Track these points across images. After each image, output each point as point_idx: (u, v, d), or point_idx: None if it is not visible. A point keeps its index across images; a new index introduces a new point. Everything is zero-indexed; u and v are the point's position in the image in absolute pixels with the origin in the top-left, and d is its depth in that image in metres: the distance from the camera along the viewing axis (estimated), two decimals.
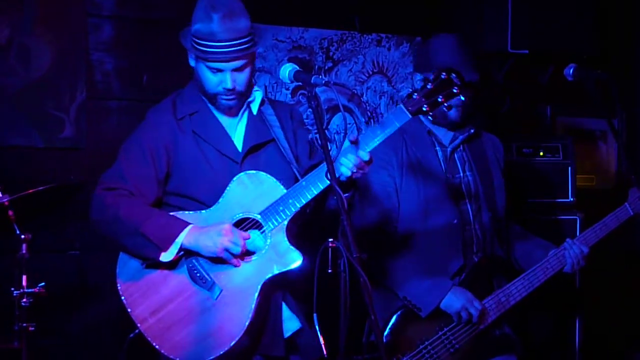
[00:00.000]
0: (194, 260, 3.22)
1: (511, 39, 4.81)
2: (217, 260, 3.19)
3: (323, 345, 3.12)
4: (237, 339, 3.15)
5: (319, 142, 3.25)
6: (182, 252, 3.20)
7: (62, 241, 4.31)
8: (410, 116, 3.14)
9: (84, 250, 4.34)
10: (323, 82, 3.07)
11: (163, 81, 4.46)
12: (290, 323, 3.35)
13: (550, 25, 4.89)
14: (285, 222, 3.18)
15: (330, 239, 2.89)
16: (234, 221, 3.21)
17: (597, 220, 3.82)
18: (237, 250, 3.15)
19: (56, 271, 4.04)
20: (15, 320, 3.49)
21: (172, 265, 3.22)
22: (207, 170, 3.30)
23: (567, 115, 5.44)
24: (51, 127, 4.32)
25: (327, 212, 3.31)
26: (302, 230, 3.33)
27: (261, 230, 3.22)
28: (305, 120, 4.32)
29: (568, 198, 4.78)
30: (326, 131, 4.88)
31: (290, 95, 4.79)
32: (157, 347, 3.19)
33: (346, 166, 3.09)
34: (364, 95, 5.02)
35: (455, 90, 3.13)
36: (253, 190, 3.23)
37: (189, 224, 3.19)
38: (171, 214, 3.26)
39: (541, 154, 4.78)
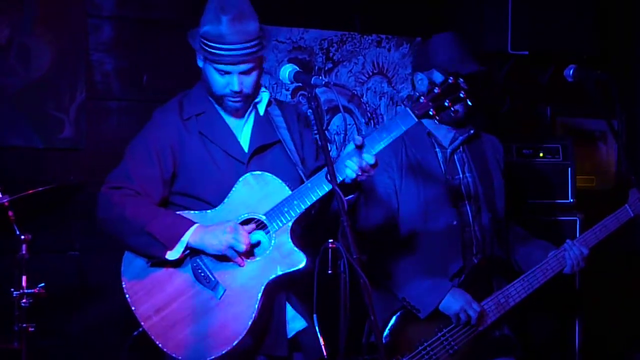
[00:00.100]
0: (198, 260, 3.22)
1: (511, 39, 4.81)
2: (222, 259, 3.20)
3: (323, 346, 3.13)
4: (240, 338, 3.16)
5: (319, 142, 3.26)
6: (187, 251, 3.21)
7: (62, 242, 4.31)
8: (416, 120, 3.16)
9: (83, 250, 4.34)
10: (323, 83, 3.08)
11: (163, 81, 4.46)
12: (294, 323, 3.35)
13: (550, 26, 4.89)
14: (290, 224, 3.19)
15: (330, 240, 2.89)
16: (239, 221, 3.21)
17: (597, 222, 3.82)
18: (242, 247, 3.15)
19: (56, 272, 4.03)
20: (15, 320, 3.49)
21: (176, 264, 3.23)
22: (213, 170, 3.30)
23: (567, 115, 5.44)
24: (51, 128, 4.31)
25: (332, 214, 3.31)
26: (307, 232, 3.33)
27: (266, 231, 3.22)
28: None
29: (568, 199, 4.78)
30: (326, 132, 4.88)
31: (290, 96, 4.79)
32: (160, 345, 3.20)
33: (351, 169, 3.10)
34: (364, 96, 5.02)
35: (462, 95, 3.14)
36: (259, 191, 3.24)
37: (195, 223, 3.20)
38: (177, 213, 3.27)
39: (541, 155, 4.78)
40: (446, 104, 3.13)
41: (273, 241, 3.20)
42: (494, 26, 4.87)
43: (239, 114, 3.37)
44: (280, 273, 3.18)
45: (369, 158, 3.10)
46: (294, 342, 3.35)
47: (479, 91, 3.74)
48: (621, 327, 5.22)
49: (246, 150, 3.35)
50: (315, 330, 3.07)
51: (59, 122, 4.33)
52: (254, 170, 3.27)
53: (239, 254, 3.17)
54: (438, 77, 3.68)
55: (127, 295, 3.25)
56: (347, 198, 3.23)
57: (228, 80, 3.27)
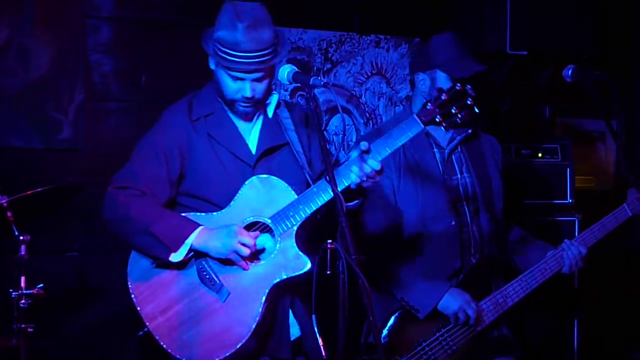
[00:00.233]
0: (203, 262, 3.22)
1: (510, 39, 4.81)
2: (226, 262, 3.19)
3: (322, 347, 3.13)
4: (243, 341, 3.16)
5: (319, 143, 3.25)
6: (191, 253, 3.20)
7: (60, 242, 4.31)
8: (423, 126, 3.16)
9: (82, 251, 4.34)
10: (322, 83, 3.08)
11: (162, 82, 4.46)
12: (292, 329, 3.35)
13: (550, 26, 4.89)
14: (295, 228, 3.19)
15: (329, 241, 2.89)
16: (244, 224, 3.21)
17: (596, 222, 3.82)
18: (245, 252, 3.14)
19: (55, 272, 4.03)
20: (13, 321, 3.49)
21: (182, 265, 3.23)
22: (220, 172, 3.30)
23: (566, 115, 5.44)
24: (50, 128, 4.31)
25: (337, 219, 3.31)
26: (312, 236, 3.32)
27: (271, 235, 3.22)
28: None
29: (566, 199, 4.78)
30: (325, 132, 4.88)
31: (288, 97, 4.79)
32: (164, 346, 3.20)
33: (356, 174, 3.10)
34: (363, 96, 5.02)
35: (469, 102, 3.14)
36: (265, 195, 3.23)
37: (199, 225, 3.20)
38: (182, 215, 3.27)
39: (540, 155, 4.78)
40: (453, 110, 3.13)
41: (278, 245, 3.19)
42: (493, 26, 4.87)
43: (248, 117, 3.37)
44: (284, 277, 3.18)
45: (374, 164, 3.10)
46: (297, 346, 3.35)
47: (479, 91, 3.74)
48: (620, 327, 5.21)
49: (254, 152, 3.34)
50: (314, 331, 3.07)
51: (58, 122, 4.33)
52: (261, 173, 3.27)
53: (243, 257, 3.17)
54: (440, 76, 3.68)
55: (132, 295, 3.24)
56: (351, 204, 3.24)
57: (240, 86, 3.25)
